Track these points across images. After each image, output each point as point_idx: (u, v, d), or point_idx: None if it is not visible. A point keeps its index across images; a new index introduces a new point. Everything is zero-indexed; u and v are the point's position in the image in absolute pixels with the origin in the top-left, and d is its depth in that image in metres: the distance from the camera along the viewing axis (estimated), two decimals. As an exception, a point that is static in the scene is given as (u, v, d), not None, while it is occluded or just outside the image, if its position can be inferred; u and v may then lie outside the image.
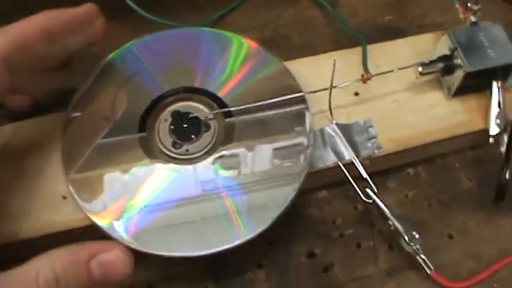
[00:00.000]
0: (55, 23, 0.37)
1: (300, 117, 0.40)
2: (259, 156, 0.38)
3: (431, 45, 0.45)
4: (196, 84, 0.41)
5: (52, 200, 0.39)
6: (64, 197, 0.39)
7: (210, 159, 0.38)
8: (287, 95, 0.40)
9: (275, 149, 0.39)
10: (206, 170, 0.38)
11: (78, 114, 0.40)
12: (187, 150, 0.39)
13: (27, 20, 0.36)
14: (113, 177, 0.38)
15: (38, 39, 0.36)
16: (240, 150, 0.39)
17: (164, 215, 0.37)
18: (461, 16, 0.43)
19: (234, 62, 0.42)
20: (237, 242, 0.36)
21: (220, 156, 0.39)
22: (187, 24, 0.46)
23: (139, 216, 0.37)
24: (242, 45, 0.43)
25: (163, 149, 0.39)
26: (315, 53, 0.46)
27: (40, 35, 0.36)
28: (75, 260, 0.32)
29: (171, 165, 0.38)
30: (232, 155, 0.39)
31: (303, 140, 0.39)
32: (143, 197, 0.37)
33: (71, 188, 0.38)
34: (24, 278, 0.31)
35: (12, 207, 0.38)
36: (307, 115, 0.40)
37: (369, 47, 0.45)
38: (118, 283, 0.33)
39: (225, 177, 0.38)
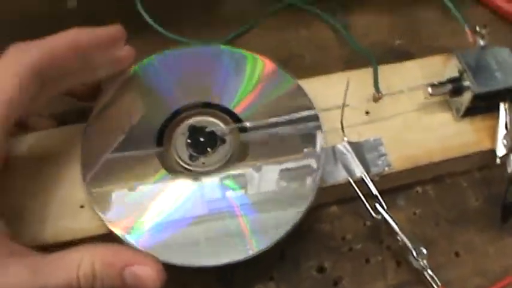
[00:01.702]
0: (85, 39, 0.39)
1: (311, 138, 0.41)
2: (270, 176, 0.39)
3: (441, 67, 0.46)
4: (213, 100, 0.42)
5: (70, 208, 0.40)
6: (81, 206, 0.40)
7: (224, 176, 0.39)
8: (300, 112, 0.41)
9: (285, 169, 0.40)
10: (221, 186, 0.39)
11: (97, 125, 0.41)
12: (203, 163, 0.40)
13: (59, 35, 0.38)
14: (130, 188, 0.39)
15: (69, 53, 0.38)
16: (252, 169, 0.40)
17: (180, 227, 0.38)
18: (471, 40, 0.45)
19: (249, 79, 0.43)
20: (246, 256, 0.37)
21: (232, 175, 0.40)
22: (203, 42, 0.48)
23: (156, 226, 0.37)
24: (257, 63, 0.44)
25: (180, 162, 0.40)
26: (327, 73, 0.47)
27: (71, 50, 0.38)
28: (114, 264, 0.33)
29: (188, 179, 0.39)
30: (244, 174, 0.40)
31: (313, 161, 0.40)
32: (160, 208, 0.38)
33: (88, 197, 0.39)
34: (65, 266, 0.33)
35: (32, 213, 0.39)
36: (319, 136, 0.41)
37: (380, 68, 0.46)
38: None
39: (239, 195, 0.39)
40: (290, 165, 0.40)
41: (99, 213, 0.38)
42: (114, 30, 0.41)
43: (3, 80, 0.35)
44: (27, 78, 0.35)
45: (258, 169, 0.40)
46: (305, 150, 0.40)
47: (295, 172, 0.40)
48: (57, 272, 0.33)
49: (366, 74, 0.46)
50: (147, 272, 0.34)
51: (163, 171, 0.39)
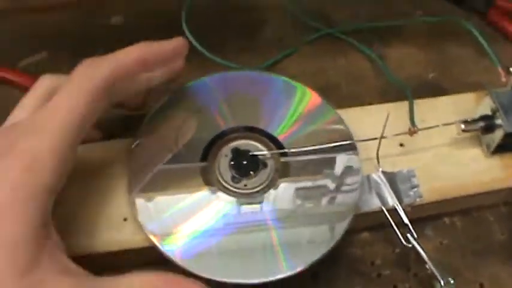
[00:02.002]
0: (152, 53, 0.40)
1: (350, 166, 0.43)
2: (309, 197, 0.41)
3: (473, 103, 0.48)
4: (259, 125, 0.44)
5: (114, 220, 0.41)
6: (125, 219, 0.42)
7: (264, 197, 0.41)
8: (339, 141, 0.43)
9: (324, 192, 0.42)
10: (259, 207, 0.41)
11: (146, 139, 0.43)
12: (245, 185, 0.42)
13: (127, 50, 0.39)
14: (173, 202, 0.41)
15: (136, 68, 0.39)
16: (292, 191, 0.42)
17: (216, 244, 0.39)
18: (504, 80, 0.46)
19: (296, 109, 0.45)
20: (277, 277, 0.38)
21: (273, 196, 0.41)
22: (245, 67, 0.50)
23: (195, 241, 0.39)
24: (305, 94, 0.46)
25: (223, 182, 0.42)
26: (362, 103, 0.49)
27: (138, 65, 0.39)
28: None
29: (228, 197, 0.41)
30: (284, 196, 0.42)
31: (352, 187, 0.42)
32: (200, 224, 0.40)
33: (132, 208, 0.41)
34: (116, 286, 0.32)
35: (79, 223, 0.41)
36: (357, 165, 0.43)
37: (414, 102, 0.48)
38: None
39: (276, 217, 0.40)
40: (329, 187, 0.42)
41: (142, 224, 0.40)
42: (179, 43, 0.42)
43: (76, 98, 0.36)
44: (98, 94, 0.36)
45: (298, 191, 0.41)
46: (344, 176, 0.42)
47: (334, 196, 0.42)
48: None
49: (402, 106, 0.48)
50: None
51: (205, 189, 0.41)
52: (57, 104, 0.36)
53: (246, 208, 0.41)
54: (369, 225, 0.45)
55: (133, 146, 0.43)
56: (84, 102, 0.36)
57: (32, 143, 0.33)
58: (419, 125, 0.46)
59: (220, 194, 0.41)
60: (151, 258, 0.40)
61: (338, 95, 0.53)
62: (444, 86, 0.54)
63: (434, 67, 0.56)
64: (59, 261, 0.33)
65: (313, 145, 0.43)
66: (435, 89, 0.53)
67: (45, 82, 0.40)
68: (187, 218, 0.40)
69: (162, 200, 0.41)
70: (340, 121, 0.45)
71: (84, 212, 0.42)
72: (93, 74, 0.37)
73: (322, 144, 0.43)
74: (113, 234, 0.41)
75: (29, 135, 0.34)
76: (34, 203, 0.32)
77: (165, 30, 0.48)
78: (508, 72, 0.46)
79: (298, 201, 0.41)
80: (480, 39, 0.48)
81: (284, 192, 0.42)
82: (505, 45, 0.58)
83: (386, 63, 0.55)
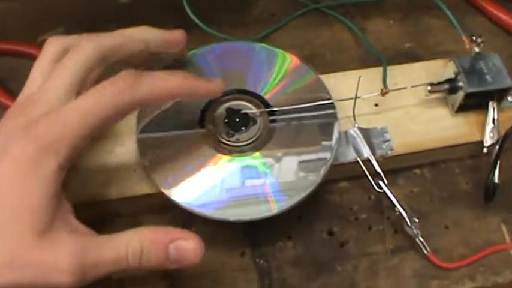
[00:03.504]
0: (154, 41, 0.44)
1: (328, 123, 0.49)
2: (292, 155, 0.47)
3: (441, 69, 0.53)
4: (248, 87, 0.50)
5: (125, 171, 0.47)
6: (134, 170, 0.47)
7: (257, 155, 0.47)
8: (319, 100, 0.49)
9: (305, 147, 0.47)
10: (252, 163, 0.47)
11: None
12: (237, 139, 0.48)
13: (132, 31, 0.43)
14: (178, 155, 0.46)
15: (138, 48, 0.43)
16: (276, 152, 0.47)
17: (217, 190, 0.45)
18: (468, 46, 0.52)
19: (278, 71, 0.51)
20: (269, 214, 0.44)
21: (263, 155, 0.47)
22: (240, 39, 0.56)
23: (197, 187, 0.45)
24: (286, 59, 0.52)
25: (219, 137, 0.48)
26: (344, 70, 0.54)
27: (140, 47, 0.43)
28: (159, 241, 0.37)
29: (226, 156, 0.47)
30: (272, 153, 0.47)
31: (329, 141, 0.48)
32: (202, 174, 0.46)
33: (141, 162, 0.46)
34: (116, 244, 0.37)
35: (91, 174, 0.47)
36: (335, 121, 0.49)
37: (390, 68, 0.53)
38: (188, 266, 0.38)
39: (267, 170, 0.46)
40: (310, 140, 0.48)
41: (149, 174, 0.45)
42: (179, 35, 0.46)
43: (75, 66, 0.40)
44: (93, 60, 0.40)
45: (283, 148, 0.47)
46: (322, 131, 0.48)
47: (313, 148, 0.47)
48: (108, 250, 0.36)
49: (377, 72, 0.53)
50: (190, 245, 0.37)
51: (206, 146, 0.47)
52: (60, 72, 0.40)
53: (240, 164, 0.47)
54: (347, 175, 0.51)
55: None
56: (85, 69, 0.40)
57: (48, 124, 0.37)
58: (392, 87, 0.51)
59: (218, 151, 0.47)
60: (157, 205, 0.47)
61: (323, 63, 0.58)
62: (418, 54, 0.60)
63: (411, 38, 0.61)
64: (70, 223, 0.38)
65: (296, 104, 0.48)
66: (411, 57, 0.59)
67: (50, 49, 0.43)
68: (192, 170, 0.46)
69: (169, 155, 0.46)
70: (319, 82, 0.51)
71: (93, 162, 0.47)
72: (95, 40, 0.41)
73: (303, 103, 0.49)
74: (122, 182, 0.47)
75: (44, 114, 0.37)
76: (48, 178, 0.36)
77: (167, 9, 0.53)
78: (471, 40, 0.52)
79: (285, 153, 0.47)
80: (446, 10, 0.53)
81: (272, 145, 0.47)
82: (476, 16, 0.63)
83: (366, 35, 0.60)
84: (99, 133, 0.40)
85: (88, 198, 0.46)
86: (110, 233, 0.38)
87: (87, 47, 0.41)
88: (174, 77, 0.41)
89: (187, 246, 0.38)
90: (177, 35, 0.46)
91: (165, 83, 0.40)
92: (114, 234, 0.37)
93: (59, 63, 0.41)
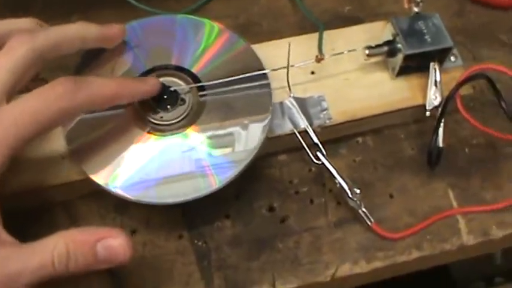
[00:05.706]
0: (92, 37, 0.43)
1: (261, 94, 0.47)
2: (226, 126, 0.45)
3: (381, 31, 0.51)
4: (175, 62, 0.47)
5: (53, 158, 0.45)
6: (62, 157, 0.45)
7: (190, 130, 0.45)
8: (252, 72, 0.47)
9: (238, 119, 0.46)
10: (186, 139, 0.45)
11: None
12: (161, 117, 0.45)
13: (68, 27, 0.42)
14: (105, 137, 0.44)
15: (74, 46, 0.43)
16: (208, 127, 0.45)
17: (150, 172, 0.43)
18: (406, 6, 0.50)
19: (205, 42, 0.48)
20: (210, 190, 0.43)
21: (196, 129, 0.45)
22: (170, 12, 0.53)
23: (127, 170, 0.43)
24: (213, 28, 0.49)
25: (147, 116, 0.45)
26: (282, 38, 0.52)
27: (76, 44, 0.43)
28: (85, 241, 0.36)
29: (157, 134, 0.45)
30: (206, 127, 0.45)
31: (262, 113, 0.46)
32: (130, 155, 0.44)
33: (68, 148, 0.44)
34: (42, 249, 0.35)
35: (23, 163, 0.45)
36: (268, 91, 0.47)
37: (328, 33, 0.51)
38: (118, 264, 0.37)
39: (202, 145, 0.44)
40: (242, 113, 0.46)
41: (77, 161, 0.44)
42: (117, 31, 0.45)
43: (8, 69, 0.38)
44: (32, 61, 0.39)
45: (216, 121, 0.45)
46: (256, 103, 0.46)
47: (247, 121, 0.45)
48: (32, 256, 0.35)
49: (314, 38, 0.51)
50: (118, 242, 0.37)
51: (133, 125, 0.45)
52: None
53: (173, 142, 0.45)
54: (286, 147, 0.49)
55: None
56: (21, 72, 0.39)
57: None
58: (330, 53, 0.49)
59: (147, 130, 0.45)
60: (90, 191, 0.45)
61: (259, 32, 0.56)
62: (359, 17, 0.57)
63: (350, 1, 0.59)
64: None
65: (226, 77, 0.46)
66: (351, 21, 0.56)
67: None
68: (120, 152, 0.44)
69: (95, 138, 0.44)
70: (250, 51, 0.48)
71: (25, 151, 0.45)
72: (28, 40, 0.40)
73: (234, 74, 0.46)
74: (51, 169, 0.45)
75: None
76: None
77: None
78: (410, 0, 0.50)
79: (218, 126, 0.45)
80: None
81: (204, 120, 0.45)
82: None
83: (304, 0, 0.58)
84: (32, 140, 0.38)
85: (20, 187, 0.44)
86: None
87: (21, 48, 0.39)
88: (112, 81, 0.42)
89: (115, 243, 0.37)
90: (114, 30, 0.45)
91: (103, 89, 0.41)
92: (39, 240, 0.36)
93: None
